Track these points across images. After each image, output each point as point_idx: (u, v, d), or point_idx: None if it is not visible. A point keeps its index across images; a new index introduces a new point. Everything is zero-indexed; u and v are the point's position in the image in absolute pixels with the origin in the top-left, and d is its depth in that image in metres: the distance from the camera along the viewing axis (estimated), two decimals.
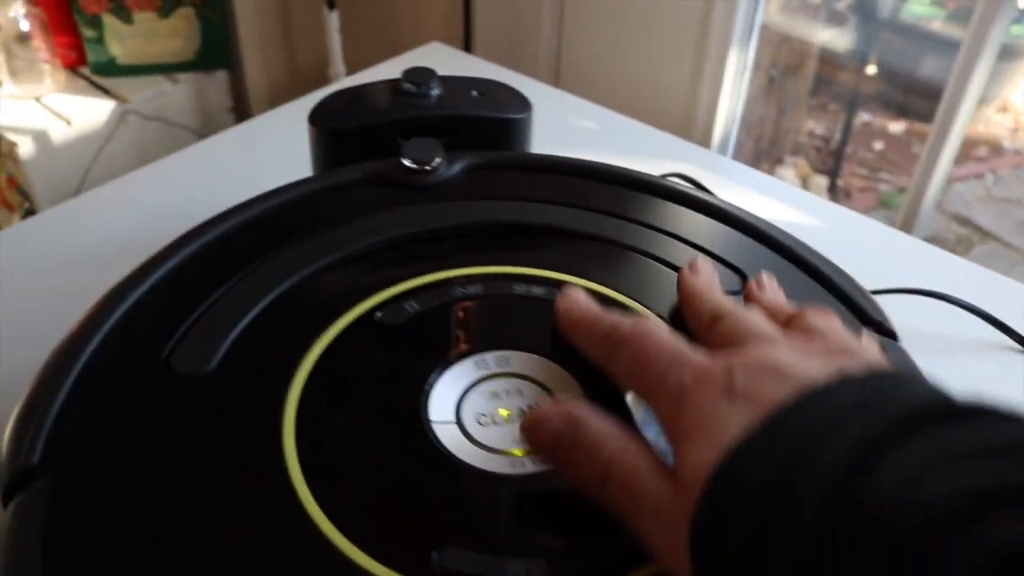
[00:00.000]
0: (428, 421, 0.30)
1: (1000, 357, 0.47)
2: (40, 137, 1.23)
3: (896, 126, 2.37)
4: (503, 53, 1.02)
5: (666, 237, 0.39)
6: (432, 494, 0.28)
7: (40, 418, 0.29)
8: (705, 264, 0.34)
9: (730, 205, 0.42)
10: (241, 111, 1.50)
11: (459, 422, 0.30)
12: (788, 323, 0.29)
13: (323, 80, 1.41)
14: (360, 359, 0.32)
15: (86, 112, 1.27)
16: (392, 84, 0.46)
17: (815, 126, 2.29)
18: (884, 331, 0.36)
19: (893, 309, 0.47)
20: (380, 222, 0.38)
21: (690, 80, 0.83)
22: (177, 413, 0.30)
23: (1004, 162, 2.31)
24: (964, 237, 2.06)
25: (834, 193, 2.19)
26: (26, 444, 0.29)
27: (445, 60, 0.80)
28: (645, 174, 0.43)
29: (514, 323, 0.34)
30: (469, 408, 0.31)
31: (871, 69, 2.35)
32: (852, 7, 2.12)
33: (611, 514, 0.25)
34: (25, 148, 1.22)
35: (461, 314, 0.34)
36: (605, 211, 0.40)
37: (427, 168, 0.41)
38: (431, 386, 0.31)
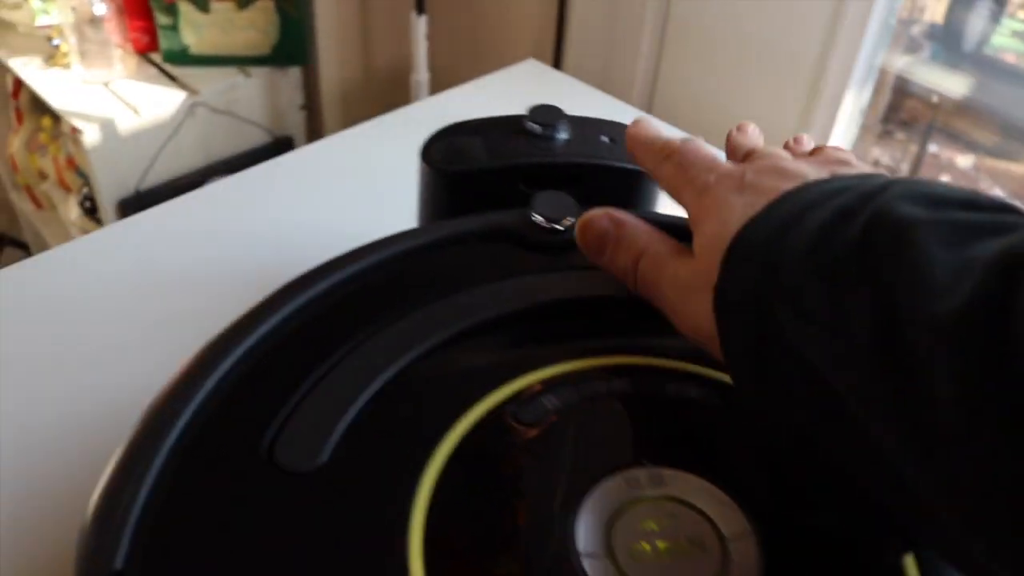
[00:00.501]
0: (577, 552, 0.25)
1: None
2: (106, 125, 1.20)
3: (964, 160, 2.29)
4: (594, 73, 0.97)
5: None
6: None
7: (123, 515, 0.25)
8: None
9: None
10: (313, 109, 1.47)
11: (611, 555, 0.25)
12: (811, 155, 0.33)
13: (400, 87, 1.36)
14: (494, 467, 0.28)
15: (155, 101, 1.24)
16: (515, 121, 0.42)
17: (880, 154, 2.23)
18: None
19: None
20: (507, 289, 0.34)
21: (797, 121, 0.78)
22: (283, 515, 0.26)
23: None
24: None
25: None
26: (108, 545, 0.25)
27: (540, 78, 0.76)
28: None
29: (668, 431, 0.30)
30: (621, 538, 0.26)
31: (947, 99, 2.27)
32: (927, 34, 2.05)
33: (645, 297, 0.31)
34: (90, 134, 1.19)
35: (606, 417, 0.30)
36: None
37: (559, 227, 0.36)
38: (577, 508, 0.26)
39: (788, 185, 0.28)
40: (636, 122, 0.37)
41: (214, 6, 1.29)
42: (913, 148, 2.36)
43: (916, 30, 2.00)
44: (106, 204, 1.27)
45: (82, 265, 0.50)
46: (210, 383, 0.29)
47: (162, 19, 1.31)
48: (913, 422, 0.21)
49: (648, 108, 0.94)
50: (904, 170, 2.24)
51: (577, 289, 0.34)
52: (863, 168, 0.31)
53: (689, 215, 0.31)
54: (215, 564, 0.25)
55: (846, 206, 0.25)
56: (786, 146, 0.36)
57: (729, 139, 0.37)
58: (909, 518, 0.24)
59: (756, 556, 0.26)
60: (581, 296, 0.34)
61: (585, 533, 0.26)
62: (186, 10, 1.29)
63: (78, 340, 0.44)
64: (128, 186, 1.27)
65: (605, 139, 0.42)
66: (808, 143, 0.37)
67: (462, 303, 0.33)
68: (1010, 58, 1.84)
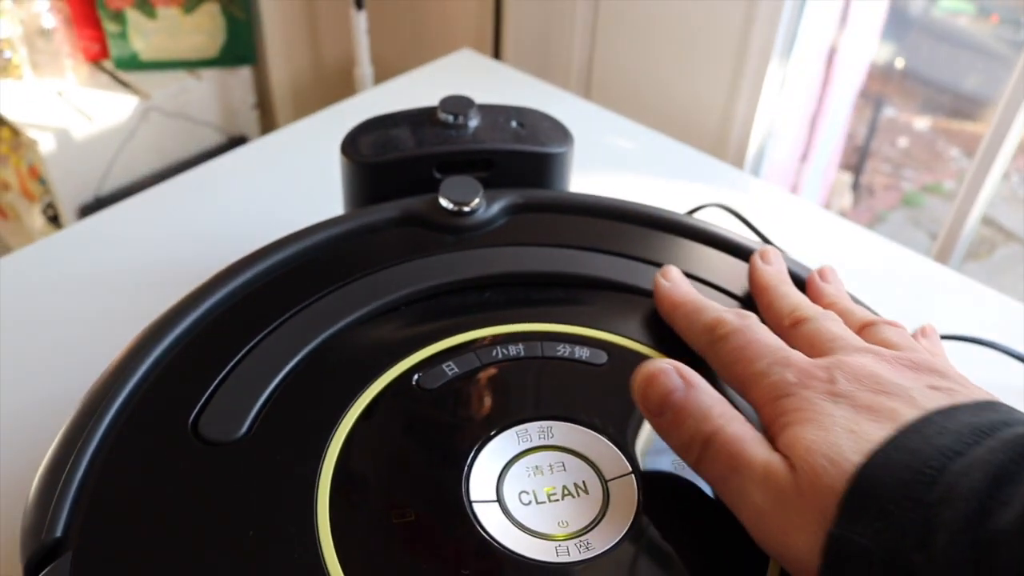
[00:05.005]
0: (469, 500, 0.28)
1: None
2: (61, 133, 1.21)
3: (921, 122, 2.34)
4: (533, 60, 1.00)
5: (713, 290, 0.38)
6: None
7: (63, 488, 0.28)
8: (776, 255, 0.37)
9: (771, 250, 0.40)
10: (265, 108, 1.49)
11: (500, 500, 0.29)
12: (863, 330, 0.32)
13: (348, 79, 1.39)
14: (398, 428, 0.31)
15: (108, 108, 1.26)
16: (428, 113, 0.44)
17: None
18: None
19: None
20: (416, 270, 0.37)
21: (726, 94, 0.81)
22: (205, 483, 0.29)
23: None
24: (987, 238, 2.03)
25: (858, 191, 2.15)
26: (49, 516, 0.27)
27: (476, 68, 0.78)
28: (689, 219, 0.41)
29: (556, 389, 0.33)
30: (511, 485, 0.29)
31: (898, 63, 2.31)
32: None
33: (706, 480, 0.28)
34: (46, 143, 1.20)
35: (501, 379, 0.33)
36: (649, 260, 0.39)
37: (465, 210, 0.39)
38: (472, 460, 0.29)
39: (898, 406, 0.26)
40: (665, 274, 0.35)
41: (161, 12, 1.31)
42: (868, 113, 2.40)
43: None
44: (67, 211, 1.29)
45: (42, 267, 0.52)
46: (144, 366, 0.32)
47: (111, 27, 1.32)
48: None
49: (586, 93, 0.97)
50: (861, 134, 2.27)
51: (479, 267, 0.37)
52: (955, 374, 0.28)
53: (760, 416, 0.28)
54: (146, 529, 0.27)
55: (999, 468, 0.22)
56: (813, 286, 0.36)
57: (757, 282, 0.35)
58: None
59: (635, 494, 0.29)
60: (482, 273, 0.37)
61: (477, 482, 0.29)
62: (134, 17, 1.31)
63: (37, 339, 0.47)
64: (88, 192, 1.29)
65: (515, 124, 0.45)
66: (840, 286, 0.36)
67: (376, 283, 0.36)
68: (963, 20, 1.88)
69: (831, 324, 0.31)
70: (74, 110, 1.25)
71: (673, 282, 0.35)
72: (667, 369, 0.29)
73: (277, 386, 0.32)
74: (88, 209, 1.29)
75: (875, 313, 0.35)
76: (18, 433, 0.41)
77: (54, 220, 1.40)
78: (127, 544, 0.27)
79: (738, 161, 0.85)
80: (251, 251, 0.38)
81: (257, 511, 0.28)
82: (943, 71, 2.20)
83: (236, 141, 1.43)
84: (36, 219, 1.46)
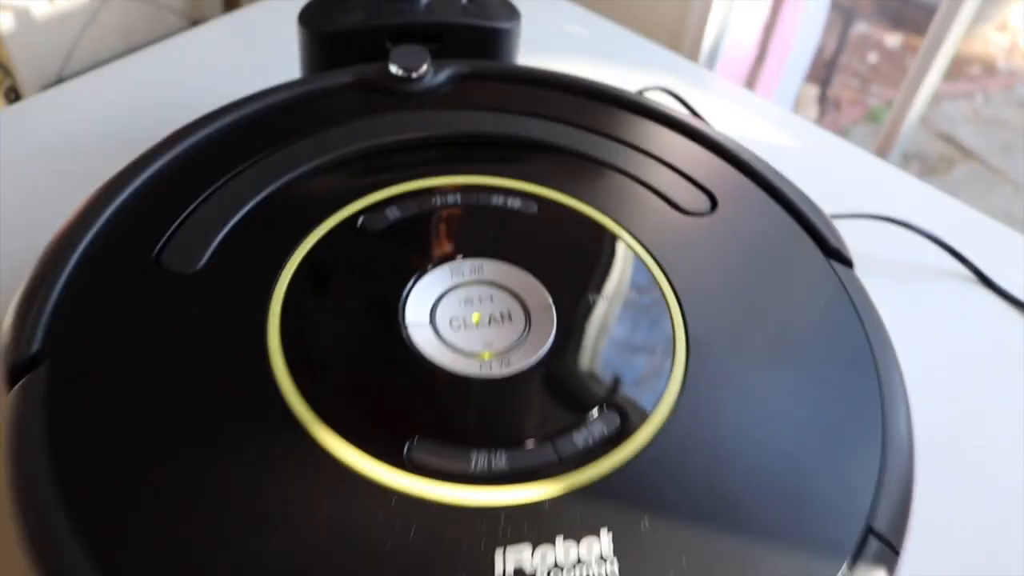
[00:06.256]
0: (404, 323, 0.32)
1: (954, 286, 0.49)
2: (22, 13, 1.21)
3: (892, 39, 2.35)
4: None
5: (640, 155, 0.41)
6: (405, 390, 0.30)
7: (39, 309, 0.31)
8: None
9: (703, 124, 0.43)
10: None
11: (433, 324, 0.32)
12: None
13: None
14: (342, 262, 0.34)
15: None
16: None
17: None
18: (841, 258, 0.38)
19: (856, 234, 0.49)
20: (366, 128, 0.40)
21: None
22: (168, 307, 0.32)
23: (996, 82, 2.30)
24: (946, 156, 2.07)
25: (823, 104, 2.18)
26: (26, 333, 0.30)
27: None
28: (624, 91, 0.44)
29: (489, 233, 0.36)
30: (443, 312, 0.33)
31: None
32: None
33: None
34: (6, 25, 1.20)
35: (439, 223, 0.36)
36: (583, 126, 0.42)
37: (413, 76, 0.42)
38: (408, 290, 0.33)
39: None
40: None
41: None
42: (838, 26, 2.41)
43: None
44: (30, 92, 1.29)
45: (5, 133, 0.54)
46: (113, 206, 0.35)
47: None
48: None
49: None
50: (831, 48, 2.28)
51: (425, 127, 0.40)
52: None
53: None
54: (114, 346, 0.30)
55: None
56: None
57: None
58: None
59: (553, 322, 0.33)
60: (427, 132, 0.40)
61: (413, 309, 0.32)
62: None
63: (7, 203, 0.49)
64: (50, 75, 1.29)
65: (465, 1, 0.47)
66: None
67: (328, 139, 0.39)
68: None
69: None
70: None
71: None
72: None
73: (234, 225, 0.35)
74: None
75: None
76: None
77: (17, 101, 1.40)
78: (97, 359, 0.30)
79: (693, 56, 0.87)
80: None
81: (214, 332, 0.31)
82: None
83: (200, 24, 1.42)
84: None
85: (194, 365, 0.30)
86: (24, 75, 1.26)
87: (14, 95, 1.36)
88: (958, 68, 2.28)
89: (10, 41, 1.20)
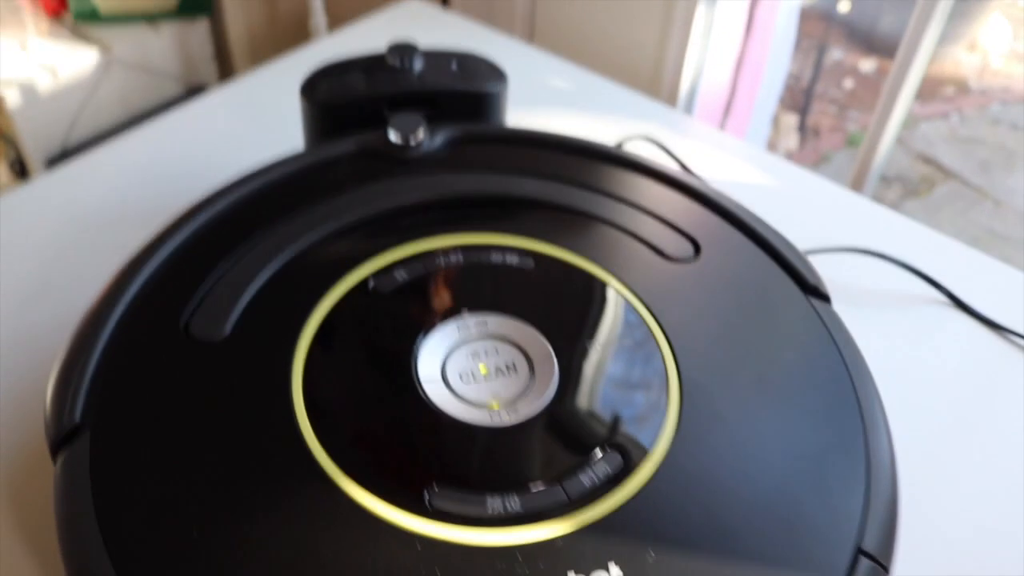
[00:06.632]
0: (418, 379, 0.34)
1: (929, 311, 0.52)
2: (26, 87, 1.24)
3: (867, 64, 2.40)
4: (479, 7, 1.04)
5: (627, 206, 0.44)
6: (423, 443, 0.33)
7: (78, 380, 0.33)
8: None
9: (684, 174, 0.46)
10: (223, 60, 1.52)
11: (444, 379, 0.35)
12: None
13: (303, 31, 1.42)
14: (357, 324, 0.36)
15: (70, 62, 1.28)
16: (379, 58, 0.50)
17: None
18: (819, 294, 0.41)
19: (832, 266, 0.52)
20: (370, 194, 0.42)
21: (659, 37, 0.87)
22: (198, 374, 0.34)
23: (970, 101, 2.35)
24: (927, 176, 2.11)
25: (803, 132, 2.22)
26: (68, 405, 0.33)
27: (424, 17, 0.83)
28: (608, 147, 0.47)
29: (491, 289, 0.39)
30: (453, 366, 0.35)
31: (842, 7, 2.37)
32: None
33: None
34: (12, 98, 1.23)
35: (444, 281, 0.39)
36: (572, 181, 0.45)
37: (411, 141, 0.45)
38: (419, 347, 0.35)
39: None
40: None
41: None
42: (813, 56, 2.46)
43: None
44: (35, 165, 1.32)
45: (11, 217, 0.56)
46: (140, 279, 0.38)
47: None
48: None
49: (530, 37, 1.02)
50: (807, 77, 2.33)
51: (425, 190, 0.43)
52: None
53: None
54: (149, 413, 0.33)
55: None
56: None
57: None
58: None
59: (555, 371, 0.35)
60: (428, 195, 0.43)
61: (425, 365, 0.35)
62: None
63: (21, 280, 0.52)
64: (54, 145, 1.32)
65: (455, 67, 0.50)
66: None
67: (335, 206, 0.42)
68: None
69: None
70: (37, 65, 1.27)
71: None
72: None
73: (255, 294, 0.37)
74: (55, 161, 1.32)
75: None
76: (18, 358, 0.46)
77: (23, 175, 1.43)
78: (134, 426, 0.32)
79: (671, 100, 0.91)
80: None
81: (243, 395, 0.33)
82: (887, 15, 2.26)
83: (196, 91, 1.46)
84: (3, 175, 1.48)
85: (226, 428, 0.32)
86: (29, 146, 1.29)
87: (19, 167, 1.38)
88: (931, 89, 2.33)
89: (16, 115, 1.23)
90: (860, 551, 0.31)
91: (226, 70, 1.53)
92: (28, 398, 0.43)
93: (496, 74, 0.51)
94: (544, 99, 0.70)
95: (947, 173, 2.13)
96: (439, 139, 0.46)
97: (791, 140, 2.19)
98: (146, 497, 0.30)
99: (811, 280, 0.41)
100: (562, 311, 0.38)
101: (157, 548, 0.29)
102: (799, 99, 2.28)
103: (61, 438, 0.32)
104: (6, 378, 0.44)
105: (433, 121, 0.47)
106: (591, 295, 0.39)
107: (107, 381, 0.34)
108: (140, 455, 0.31)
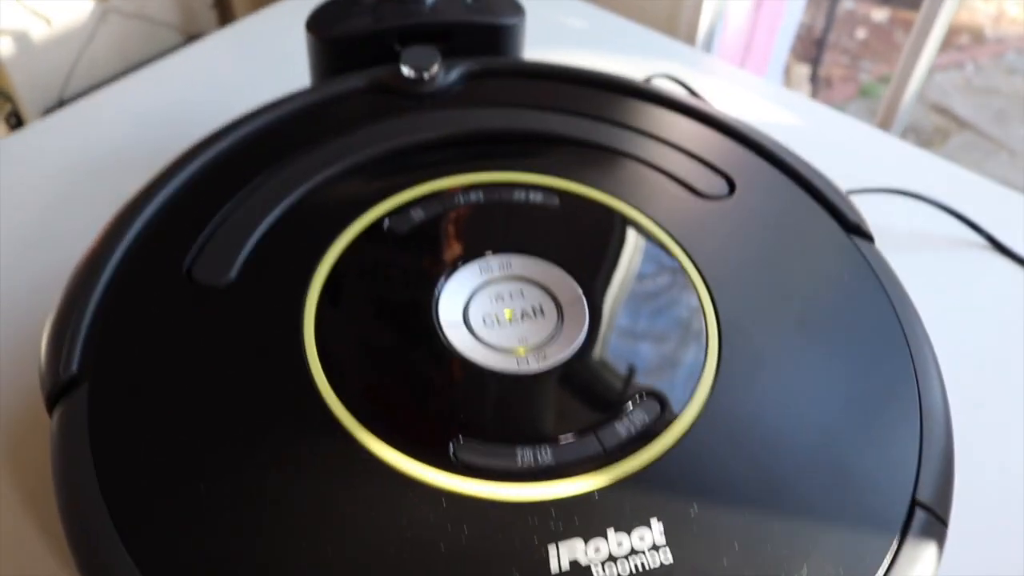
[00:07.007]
0: (439, 323, 0.32)
1: (968, 254, 0.49)
2: (20, 37, 1.21)
3: (880, 14, 2.35)
4: None
5: (656, 142, 0.41)
6: (445, 391, 0.30)
7: (74, 330, 0.31)
8: None
9: (714, 109, 0.44)
10: (223, 8, 1.48)
11: (466, 323, 0.32)
12: None
13: None
14: (372, 266, 0.34)
15: (66, 11, 1.25)
16: None
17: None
18: (862, 233, 0.38)
19: (869, 208, 0.49)
20: (382, 131, 0.40)
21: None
22: (203, 321, 0.32)
23: (985, 51, 2.30)
24: (942, 127, 2.07)
25: (815, 82, 2.18)
26: (63, 356, 0.30)
27: None
28: (633, 80, 0.44)
29: (514, 228, 0.36)
30: (475, 310, 0.33)
31: None
32: None
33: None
34: (5, 48, 1.20)
35: (464, 221, 0.36)
36: (597, 116, 0.42)
37: (425, 76, 0.42)
38: (440, 290, 0.33)
39: None
40: None
41: None
42: (826, 4, 2.41)
43: None
44: (31, 118, 1.29)
45: (10, 161, 0.54)
46: (139, 222, 0.35)
47: None
48: None
49: None
50: (819, 26, 2.28)
51: (441, 126, 0.40)
52: None
53: None
54: (151, 363, 0.30)
55: None
56: None
57: None
58: None
59: (585, 314, 0.33)
60: (444, 131, 0.40)
61: (446, 308, 0.33)
62: None
63: (17, 229, 0.49)
64: (51, 98, 1.29)
65: (470, 0, 0.47)
66: None
67: (347, 143, 0.39)
68: None
69: None
70: (32, 15, 1.24)
71: None
72: None
73: (261, 235, 0.35)
74: (52, 112, 1.29)
75: None
76: (16, 309, 0.44)
77: (19, 127, 1.40)
78: (135, 378, 0.30)
79: (690, 42, 0.88)
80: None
81: (251, 343, 0.31)
82: None
83: (195, 40, 1.43)
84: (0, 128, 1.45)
85: (233, 379, 0.30)
86: (25, 99, 1.26)
87: (15, 120, 1.36)
88: (947, 38, 2.29)
89: (10, 66, 1.20)
90: (916, 502, 0.28)
91: (226, 18, 1.49)
92: (26, 351, 0.40)
93: (513, 7, 0.48)
94: (559, 38, 0.67)
95: (962, 123, 2.09)
96: (455, 74, 0.43)
97: (803, 90, 2.15)
98: (148, 453, 0.28)
99: (853, 218, 0.38)
100: (591, 251, 0.35)
101: (160, 506, 0.26)
102: (811, 49, 2.23)
103: (57, 391, 0.30)
104: (4, 330, 0.42)
105: (447, 56, 0.44)
106: (621, 234, 0.36)
107: (105, 330, 0.32)
108: (141, 408, 0.29)
